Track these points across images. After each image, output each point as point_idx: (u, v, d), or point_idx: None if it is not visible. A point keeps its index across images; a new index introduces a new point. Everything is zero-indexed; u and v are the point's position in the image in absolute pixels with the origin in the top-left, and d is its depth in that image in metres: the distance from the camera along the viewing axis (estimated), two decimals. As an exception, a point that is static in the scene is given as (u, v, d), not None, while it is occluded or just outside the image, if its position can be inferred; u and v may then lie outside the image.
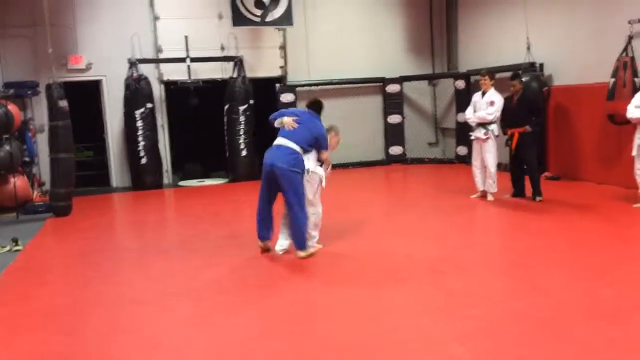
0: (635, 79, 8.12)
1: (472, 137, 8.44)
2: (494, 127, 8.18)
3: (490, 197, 8.24)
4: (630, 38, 8.28)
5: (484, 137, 8.18)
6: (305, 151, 5.77)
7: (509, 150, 8.31)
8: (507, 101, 8.26)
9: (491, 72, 8.49)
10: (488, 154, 8.19)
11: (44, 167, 10.58)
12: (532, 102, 8.32)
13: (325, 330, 4.06)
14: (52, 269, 6.28)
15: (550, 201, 7.99)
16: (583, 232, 6.42)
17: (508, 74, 10.27)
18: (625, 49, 8.31)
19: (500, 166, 8.54)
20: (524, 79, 9.80)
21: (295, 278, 5.35)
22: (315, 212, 5.89)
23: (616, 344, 3.58)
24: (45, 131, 9.62)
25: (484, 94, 8.27)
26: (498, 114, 8.11)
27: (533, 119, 8.12)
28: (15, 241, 6.95)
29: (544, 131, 10.24)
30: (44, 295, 5.17)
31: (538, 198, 8.08)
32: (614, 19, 8.66)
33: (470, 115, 8.40)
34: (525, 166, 8.24)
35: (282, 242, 5.99)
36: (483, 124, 8.19)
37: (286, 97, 12.15)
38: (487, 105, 8.13)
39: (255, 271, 5.58)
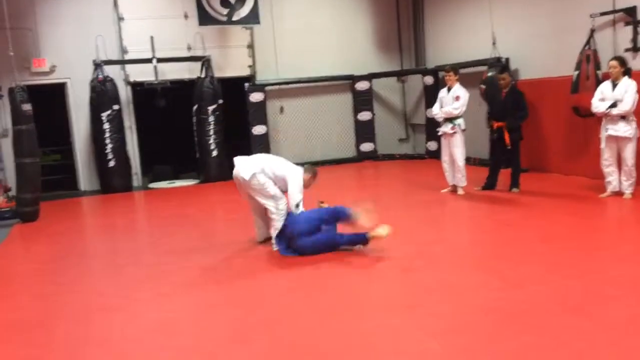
0: (598, 72, 8.27)
1: (440, 133, 8.50)
2: (461, 122, 8.25)
3: (460, 191, 8.33)
4: (593, 31, 8.43)
5: (451, 131, 8.25)
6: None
7: (491, 143, 8.40)
8: (496, 94, 8.38)
9: (455, 67, 8.59)
10: (456, 148, 8.27)
11: (9, 173, 10.33)
12: (519, 95, 8.37)
13: (293, 331, 4.04)
14: (19, 277, 6.13)
15: (520, 194, 8.10)
16: (552, 223, 6.51)
17: (476, 69, 10.49)
18: (588, 42, 8.46)
19: (469, 160, 8.64)
20: (489, 74, 9.96)
21: (266, 279, 5.32)
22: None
23: (587, 336, 3.64)
24: (9, 136, 9.38)
25: (449, 89, 8.35)
26: (464, 108, 8.19)
27: (519, 112, 8.20)
28: (-21, 250, 6.78)
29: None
30: (11, 306, 5.05)
31: (514, 189, 8.22)
32: (576, 13, 8.81)
33: (437, 111, 8.46)
34: (511, 159, 8.34)
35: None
36: (450, 119, 8.25)
37: (255, 97, 12.09)
38: (453, 100, 8.20)
39: (227, 272, 5.53)
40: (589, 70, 8.39)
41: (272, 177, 5.94)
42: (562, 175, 9.26)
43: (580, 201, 7.50)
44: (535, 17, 9.75)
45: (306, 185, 6.06)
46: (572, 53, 8.62)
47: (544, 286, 4.54)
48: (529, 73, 10.03)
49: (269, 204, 5.93)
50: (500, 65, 9.81)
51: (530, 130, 10.03)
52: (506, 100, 8.32)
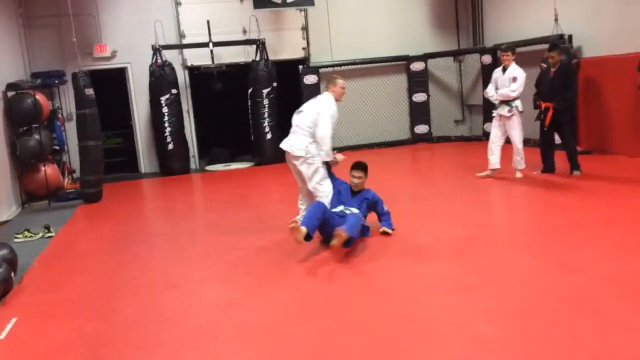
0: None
1: (494, 115, 8.27)
2: (518, 103, 7.99)
3: (518, 174, 8.11)
4: (662, 6, 8.03)
5: (509, 114, 7.98)
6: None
7: (540, 125, 8.13)
8: (545, 73, 8.10)
9: (511, 46, 8.24)
10: (513, 130, 8.01)
11: (73, 155, 10.77)
12: (567, 76, 8.08)
13: (354, 311, 4.07)
14: (84, 255, 6.40)
15: (580, 177, 7.84)
16: (615, 207, 6.28)
17: (537, 47, 10.14)
18: (657, 17, 8.06)
19: (528, 142, 8.38)
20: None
21: (320, 260, 5.35)
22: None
23: (649, 321, 3.51)
24: (74, 119, 9.75)
25: (504, 69, 8.07)
26: (522, 89, 7.93)
27: (567, 93, 7.91)
28: (47, 228, 7.10)
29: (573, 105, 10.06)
30: (76, 282, 5.28)
31: (576, 172, 7.93)
32: (645, -14, 8.39)
33: (492, 92, 8.20)
34: (562, 141, 8.07)
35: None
36: (507, 101, 8.00)
37: (309, 79, 12.09)
38: (510, 81, 7.92)
39: (282, 254, 5.60)
40: (658, 47, 7.99)
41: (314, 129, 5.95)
42: (627, 157, 8.88)
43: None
44: (600, -9, 9.35)
45: (338, 98, 6.11)
46: (639, 29, 8.22)
47: (605, 271, 4.40)
48: (593, 51, 9.63)
49: (313, 186, 5.98)
50: (557, 43, 9.44)
51: (593, 110, 9.69)
52: (554, 79, 8.00)
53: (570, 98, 8.02)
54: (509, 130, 8.07)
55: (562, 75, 7.98)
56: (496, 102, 8.20)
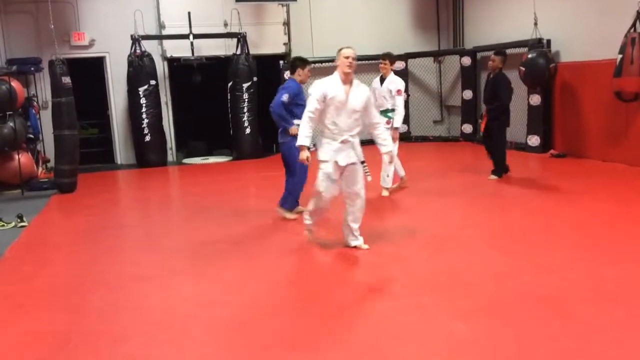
0: (644, 56, 8.00)
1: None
2: (397, 116, 7.36)
3: (384, 192, 7.46)
4: (639, 14, 8.14)
5: (387, 125, 7.11)
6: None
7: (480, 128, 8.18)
8: (489, 78, 8.12)
9: (390, 54, 7.64)
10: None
11: (48, 144, 10.60)
12: (500, 83, 7.84)
13: (329, 307, 4.07)
14: (56, 246, 6.31)
15: (555, 179, 7.95)
16: (587, 210, 6.38)
17: (516, 50, 10.25)
18: (633, 25, 8.18)
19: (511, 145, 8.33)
20: (530, 56, 9.72)
21: (296, 255, 5.36)
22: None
23: (619, 324, 3.57)
24: (49, 108, 9.59)
25: (382, 79, 7.46)
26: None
27: (495, 102, 7.83)
28: (20, 217, 6.98)
29: (549, 109, 10.19)
30: (48, 273, 5.21)
31: (492, 176, 8.00)
32: (622, -6, 8.52)
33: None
34: (492, 145, 8.08)
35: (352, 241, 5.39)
36: (384, 111, 7.33)
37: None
38: (388, 92, 7.33)
39: (259, 248, 5.58)
40: (634, 54, 8.11)
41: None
42: (601, 161, 9.03)
43: (617, 189, 7.31)
44: (580, -3, 9.47)
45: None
46: (617, 36, 8.35)
47: (577, 273, 4.47)
48: (570, 56, 9.77)
49: None
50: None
51: (569, 115, 9.84)
52: (488, 85, 8.04)
53: (497, 108, 7.89)
54: None
55: (494, 84, 7.94)
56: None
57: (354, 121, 5.09)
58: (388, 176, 7.46)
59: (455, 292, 4.20)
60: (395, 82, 7.38)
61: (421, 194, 7.80)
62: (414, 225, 6.15)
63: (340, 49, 5.20)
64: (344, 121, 5.03)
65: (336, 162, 5.06)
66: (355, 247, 5.29)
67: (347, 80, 5.06)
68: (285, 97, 6.29)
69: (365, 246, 5.27)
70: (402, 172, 7.88)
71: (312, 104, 5.03)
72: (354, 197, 5.20)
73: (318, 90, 5.05)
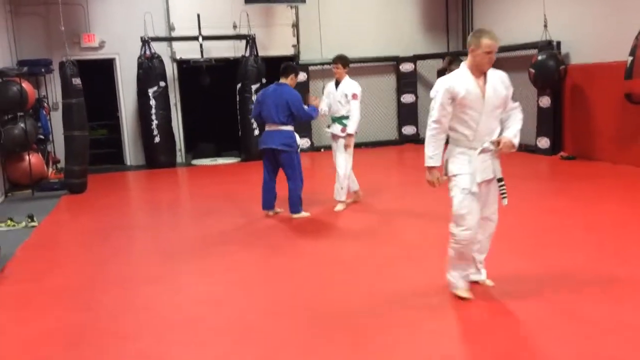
0: (654, 58, 7.96)
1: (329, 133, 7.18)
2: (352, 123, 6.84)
3: (339, 207, 6.94)
4: (650, 15, 8.12)
5: (342, 134, 6.87)
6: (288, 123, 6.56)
7: None
8: None
9: (343, 57, 7.04)
10: (339, 152, 6.94)
11: (58, 145, 10.66)
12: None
13: (335, 313, 4.07)
14: (66, 246, 6.35)
15: (565, 181, 7.91)
16: (597, 212, 6.34)
17: (525, 52, 10.22)
18: (644, 27, 8.15)
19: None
20: (540, 58, 9.69)
21: (306, 259, 5.36)
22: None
23: (630, 325, 3.55)
24: (59, 109, 9.66)
25: (337, 83, 6.99)
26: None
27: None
28: (30, 217, 7.03)
29: (559, 111, 10.14)
30: (58, 272, 5.24)
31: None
32: (633, -5, 8.49)
33: (326, 108, 7.03)
34: None
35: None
36: (339, 118, 6.93)
37: (299, 77, 12.04)
38: (343, 97, 6.85)
39: (269, 250, 5.59)
40: (645, 56, 8.08)
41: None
42: (611, 163, 8.98)
43: (628, 191, 7.27)
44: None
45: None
46: (627, 38, 8.31)
47: (586, 275, 4.45)
48: (580, 58, 9.73)
49: None
50: (549, 49, 9.50)
51: (579, 117, 9.79)
52: None
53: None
54: (334, 151, 7.01)
55: None
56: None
57: (494, 120, 3.96)
58: (342, 188, 6.94)
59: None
60: (351, 86, 6.86)
61: (430, 196, 7.77)
62: (423, 226, 6.13)
63: (480, 36, 3.83)
64: (483, 123, 3.90)
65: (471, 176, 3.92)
66: (476, 282, 4.25)
67: (480, 73, 3.91)
68: (306, 107, 6.75)
69: (490, 282, 4.26)
70: (355, 186, 7.23)
71: (439, 111, 3.89)
72: (485, 222, 4.14)
73: (443, 91, 3.89)
